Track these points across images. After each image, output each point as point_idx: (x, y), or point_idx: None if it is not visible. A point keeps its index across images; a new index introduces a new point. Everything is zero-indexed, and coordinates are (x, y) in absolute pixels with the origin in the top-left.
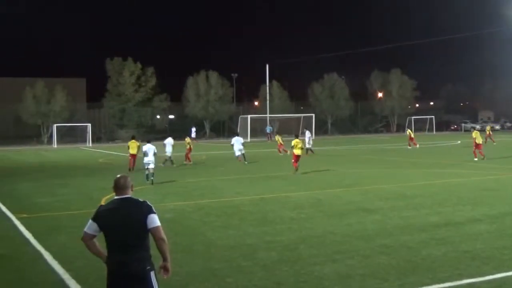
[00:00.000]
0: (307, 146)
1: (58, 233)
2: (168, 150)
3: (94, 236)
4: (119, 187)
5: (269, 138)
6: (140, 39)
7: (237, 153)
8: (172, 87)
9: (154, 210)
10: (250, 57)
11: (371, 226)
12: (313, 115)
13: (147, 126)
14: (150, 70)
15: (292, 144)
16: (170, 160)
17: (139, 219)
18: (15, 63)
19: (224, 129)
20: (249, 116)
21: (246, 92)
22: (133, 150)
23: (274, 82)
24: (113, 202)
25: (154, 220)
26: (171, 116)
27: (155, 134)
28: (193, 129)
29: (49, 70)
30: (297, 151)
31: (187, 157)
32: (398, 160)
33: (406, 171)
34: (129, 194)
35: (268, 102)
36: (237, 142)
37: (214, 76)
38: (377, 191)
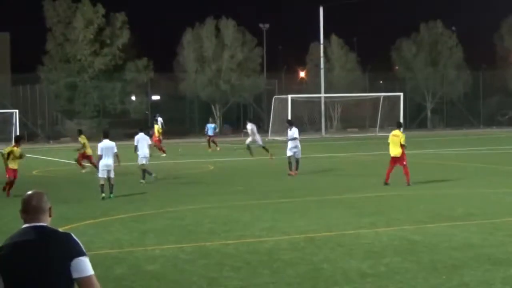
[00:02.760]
0: (247, 142)
1: None
2: (143, 153)
3: None
4: (29, 209)
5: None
6: None
7: (289, 153)
8: (157, 47)
9: (83, 250)
10: None
11: None
12: (401, 94)
13: (115, 114)
14: (120, 18)
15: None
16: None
17: (60, 264)
18: None
19: (247, 118)
20: (289, 97)
21: (284, 55)
22: (89, 150)
23: (334, 38)
24: (20, 233)
25: (85, 265)
26: (156, 97)
27: (127, 128)
28: (159, 119)
29: None
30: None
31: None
32: None
33: None
34: (45, 222)
35: (322, 72)
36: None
37: (230, 27)
38: None
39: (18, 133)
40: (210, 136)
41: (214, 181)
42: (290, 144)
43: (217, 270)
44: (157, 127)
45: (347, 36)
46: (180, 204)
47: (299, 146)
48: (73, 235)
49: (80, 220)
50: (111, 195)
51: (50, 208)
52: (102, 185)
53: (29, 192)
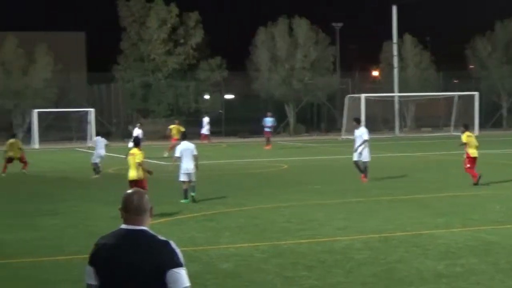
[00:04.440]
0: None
1: None
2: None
3: None
4: (129, 209)
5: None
6: None
7: (355, 157)
8: (230, 46)
9: (180, 260)
10: None
11: None
12: (477, 93)
13: (189, 113)
14: (194, 17)
15: (464, 141)
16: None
17: (154, 272)
18: None
19: (320, 117)
20: (362, 96)
21: (357, 54)
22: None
23: (407, 37)
24: (116, 235)
25: (180, 277)
26: (229, 96)
27: (198, 127)
28: (206, 120)
29: (27, 19)
30: (472, 151)
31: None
32: None
33: None
34: (146, 223)
35: (396, 71)
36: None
37: (303, 26)
38: None
39: (95, 132)
40: (267, 132)
41: (288, 180)
42: (359, 148)
43: (291, 269)
44: (172, 126)
45: (420, 35)
46: (254, 203)
47: (368, 148)
48: (171, 243)
49: (154, 218)
50: (193, 194)
51: (151, 208)
52: (185, 190)
53: (130, 191)
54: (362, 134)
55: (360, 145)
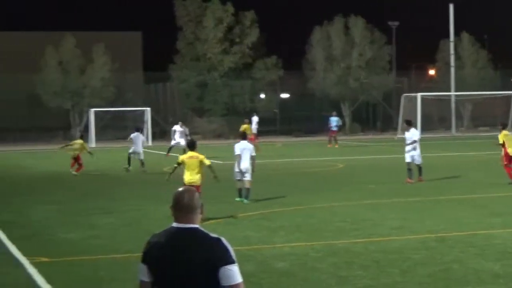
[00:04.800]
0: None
1: None
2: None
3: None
4: (180, 207)
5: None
6: None
7: (408, 159)
8: (285, 45)
9: (233, 257)
10: None
11: None
12: None
13: (244, 112)
14: (249, 17)
15: (501, 141)
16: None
17: (207, 269)
18: (32, 9)
19: (376, 116)
20: (418, 95)
21: (413, 53)
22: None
23: (465, 35)
24: (168, 233)
25: (233, 274)
26: (285, 95)
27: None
28: (255, 119)
29: (84, 19)
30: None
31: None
32: None
33: None
34: (196, 221)
35: (453, 69)
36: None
37: (358, 25)
38: None
39: (151, 131)
40: (332, 131)
41: (343, 179)
42: (408, 147)
43: (346, 269)
44: (246, 126)
45: (478, 33)
46: (309, 202)
47: (419, 150)
48: (223, 240)
49: (210, 216)
50: (245, 201)
51: (201, 206)
52: (239, 189)
53: (181, 189)
54: (413, 136)
55: (410, 144)
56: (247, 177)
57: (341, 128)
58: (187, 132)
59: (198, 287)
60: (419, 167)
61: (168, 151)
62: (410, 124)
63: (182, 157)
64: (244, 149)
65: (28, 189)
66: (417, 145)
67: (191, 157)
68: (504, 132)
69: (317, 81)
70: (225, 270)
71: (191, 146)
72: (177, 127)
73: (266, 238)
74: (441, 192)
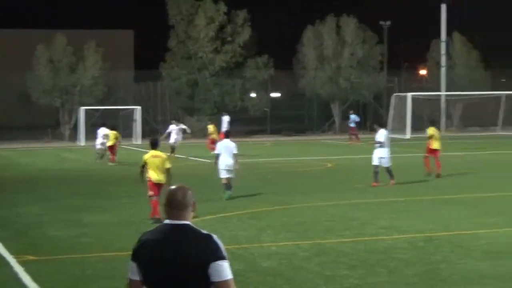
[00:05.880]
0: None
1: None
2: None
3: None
4: (173, 204)
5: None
6: None
7: (375, 162)
8: (277, 44)
9: (223, 253)
10: None
11: None
12: None
13: (235, 111)
14: (242, 16)
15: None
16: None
17: (198, 265)
18: (24, 7)
19: (366, 116)
20: (409, 95)
21: (404, 53)
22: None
23: (456, 35)
24: (159, 230)
25: (223, 270)
26: (275, 94)
27: (246, 125)
28: (226, 118)
29: (75, 18)
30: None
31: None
32: None
33: None
34: (188, 218)
35: (444, 69)
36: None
37: (350, 24)
38: None
39: (141, 130)
40: (353, 128)
41: (332, 178)
42: (377, 149)
43: (333, 268)
44: (211, 127)
45: (469, 34)
46: (297, 202)
47: (388, 152)
48: (214, 237)
49: (198, 215)
50: (226, 195)
51: (194, 203)
52: (225, 183)
53: (174, 187)
54: (378, 137)
55: (376, 144)
56: (230, 174)
57: (359, 124)
58: (184, 126)
59: (189, 283)
60: (388, 170)
61: (172, 151)
62: (380, 125)
63: (145, 157)
64: (225, 147)
65: (17, 187)
66: (385, 147)
67: (154, 156)
68: (432, 128)
69: (308, 81)
70: (215, 266)
71: (153, 145)
72: (172, 127)
73: (254, 237)
74: (429, 192)
